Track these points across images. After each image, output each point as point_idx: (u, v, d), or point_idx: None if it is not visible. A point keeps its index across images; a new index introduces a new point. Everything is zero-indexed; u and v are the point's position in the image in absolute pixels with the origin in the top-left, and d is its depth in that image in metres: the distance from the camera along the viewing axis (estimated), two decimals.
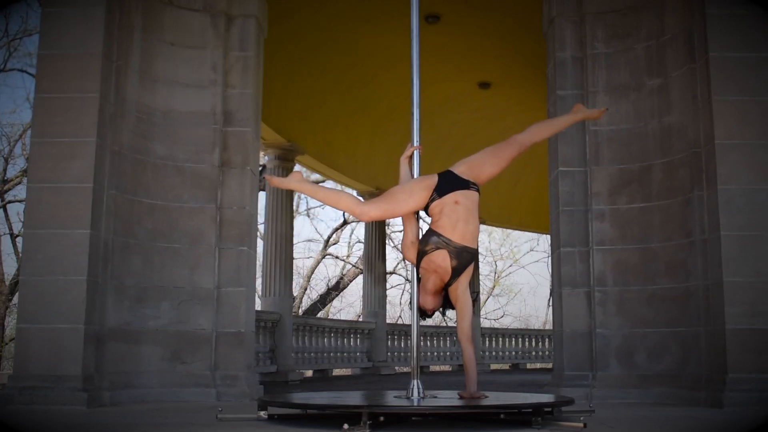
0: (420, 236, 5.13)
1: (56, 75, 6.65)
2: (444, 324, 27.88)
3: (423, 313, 5.21)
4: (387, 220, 24.42)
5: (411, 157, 5.47)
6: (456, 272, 4.95)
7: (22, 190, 19.57)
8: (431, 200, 5.01)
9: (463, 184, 5.03)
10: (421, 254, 4.99)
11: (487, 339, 19.60)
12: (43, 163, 6.55)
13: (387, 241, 22.90)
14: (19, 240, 19.64)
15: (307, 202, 27.84)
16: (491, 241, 32.51)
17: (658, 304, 7.16)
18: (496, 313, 33.19)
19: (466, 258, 4.95)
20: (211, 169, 7.43)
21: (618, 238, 7.38)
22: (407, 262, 5.45)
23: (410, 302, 5.29)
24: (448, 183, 5.03)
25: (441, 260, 4.93)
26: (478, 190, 5.08)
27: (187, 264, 7.24)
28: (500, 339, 19.99)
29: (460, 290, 5.00)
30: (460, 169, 5.11)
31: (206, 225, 7.34)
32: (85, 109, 6.59)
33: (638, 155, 7.41)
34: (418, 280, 5.15)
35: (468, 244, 4.96)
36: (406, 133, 5.68)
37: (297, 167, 5.31)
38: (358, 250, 26.61)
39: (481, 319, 19.98)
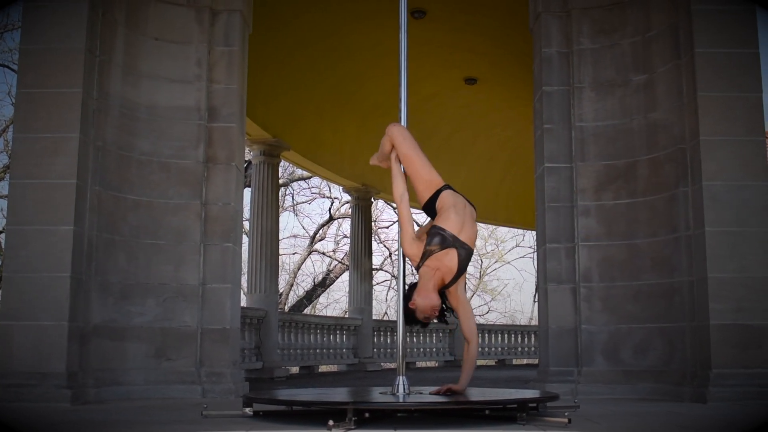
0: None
1: (39, 70, 6.62)
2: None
3: (415, 320, 4.89)
4: (374, 215, 24.42)
5: None
6: (459, 272, 4.89)
7: (4, 187, 19.45)
8: (443, 189, 5.02)
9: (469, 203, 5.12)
10: (427, 253, 4.86)
11: None
12: (26, 158, 6.52)
13: (374, 238, 22.91)
14: (0, 236, 19.50)
15: (293, 197, 27.82)
16: (477, 237, 32.55)
17: (643, 300, 7.21)
18: (481, 309, 33.28)
19: (467, 258, 4.92)
20: (196, 165, 7.42)
21: (604, 234, 7.43)
22: (396, 258, 5.32)
23: (398, 293, 5.26)
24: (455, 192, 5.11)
25: (449, 260, 4.83)
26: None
27: (172, 260, 7.24)
28: (486, 335, 20.06)
29: (461, 290, 4.96)
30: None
31: (191, 221, 7.33)
32: (68, 104, 6.56)
33: (624, 151, 7.45)
34: (405, 285, 5.10)
35: (470, 245, 4.94)
36: None
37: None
38: (345, 246, 26.60)
39: None
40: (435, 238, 4.87)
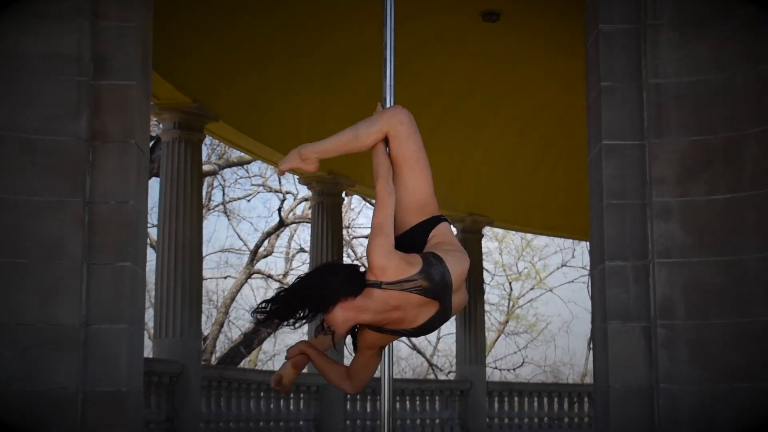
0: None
1: None
2: (431, 376, 28.06)
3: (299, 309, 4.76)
4: (347, 219, 24.42)
5: None
6: (412, 332, 4.95)
7: None
8: (445, 219, 5.00)
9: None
10: (408, 285, 4.68)
11: (496, 399, 19.67)
12: None
13: (345, 251, 22.83)
14: None
15: (224, 192, 27.86)
16: (504, 251, 32.67)
17: (752, 346, 7.21)
18: (510, 359, 33.43)
19: (438, 324, 4.93)
20: (75, 143, 7.37)
21: (692, 247, 7.42)
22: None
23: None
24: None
25: (421, 314, 4.79)
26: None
27: (39, 288, 7.18)
28: (516, 398, 20.12)
29: None
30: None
31: (68, 229, 7.28)
32: None
33: (722, 122, 7.45)
34: None
35: (454, 311, 4.95)
36: (375, 87, 5.66)
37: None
38: (302, 266, 26.63)
39: (488, 369, 20.04)
40: (436, 270, 4.68)
